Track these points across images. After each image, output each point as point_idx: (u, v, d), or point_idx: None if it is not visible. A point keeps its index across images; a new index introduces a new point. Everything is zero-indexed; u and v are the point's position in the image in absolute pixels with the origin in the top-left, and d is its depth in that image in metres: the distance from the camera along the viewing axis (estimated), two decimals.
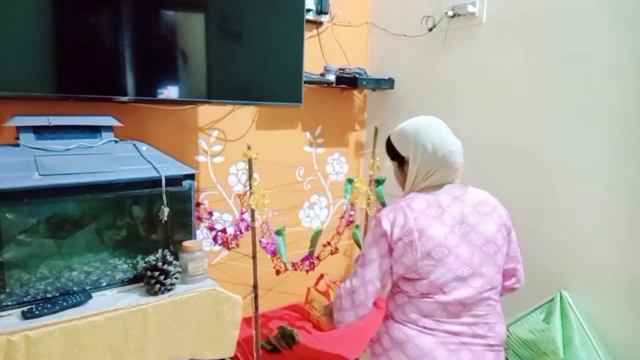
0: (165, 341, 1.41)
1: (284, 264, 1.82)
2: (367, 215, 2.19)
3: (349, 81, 2.20)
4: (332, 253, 2.01)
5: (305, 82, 1.97)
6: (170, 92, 1.59)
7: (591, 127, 1.56)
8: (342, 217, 2.06)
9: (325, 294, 2.12)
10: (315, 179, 2.39)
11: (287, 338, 1.93)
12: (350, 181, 1.96)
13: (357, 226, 2.08)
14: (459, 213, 1.22)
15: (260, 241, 1.80)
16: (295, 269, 1.90)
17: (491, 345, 1.19)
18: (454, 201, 1.24)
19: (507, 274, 1.34)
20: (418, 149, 1.26)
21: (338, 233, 2.01)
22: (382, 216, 1.23)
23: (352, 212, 2.05)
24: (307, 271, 1.94)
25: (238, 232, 1.80)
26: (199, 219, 1.85)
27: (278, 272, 1.84)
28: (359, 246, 2.08)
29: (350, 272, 1.34)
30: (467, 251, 1.19)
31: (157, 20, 1.54)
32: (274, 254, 1.81)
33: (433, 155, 1.24)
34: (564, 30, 1.62)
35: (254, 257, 1.72)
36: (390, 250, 1.20)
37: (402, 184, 1.36)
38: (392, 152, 1.36)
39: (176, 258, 1.51)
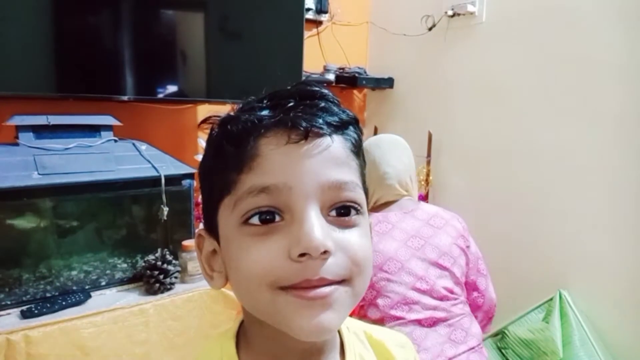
0: (164, 340, 1.41)
1: None
2: None
3: (348, 80, 2.20)
4: None
5: None
6: (170, 91, 1.59)
7: (591, 127, 1.56)
8: None
9: None
10: None
11: None
12: None
13: None
14: (410, 227, 1.23)
15: None
16: None
17: (473, 348, 1.18)
18: (404, 216, 1.25)
19: (469, 288, 1.31)
20: (364, 163, 1.25)
21: None
22: None
23: None
24: None
25: None
26: (199, 218, 1.85)
27: None
28: None
29: None
30: (422, 266, 1.18)
31: (156, 20, 1.54)
32: None
33: (373, 171, 1.26)
34: (563, 29, 1.62)
35: None
36: None
37: None
38: None
39: (176, 257, 1.51)
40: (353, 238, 0.41)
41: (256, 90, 0.47)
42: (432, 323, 1.15)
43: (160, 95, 1.57)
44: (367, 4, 2.43)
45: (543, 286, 1.68)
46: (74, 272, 1.41)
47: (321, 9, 2.16)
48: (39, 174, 1.26)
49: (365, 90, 2.48)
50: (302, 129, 0.39)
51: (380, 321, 1.16)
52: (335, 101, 0.43)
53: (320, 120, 0.40)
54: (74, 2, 1.37)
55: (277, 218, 0.39)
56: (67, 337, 1.23)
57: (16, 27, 1.28)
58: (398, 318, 1.15)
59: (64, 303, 1.28)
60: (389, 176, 1.28)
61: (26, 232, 1.32)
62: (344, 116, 0.42)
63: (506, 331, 1.70)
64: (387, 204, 1.29)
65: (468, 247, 1.28)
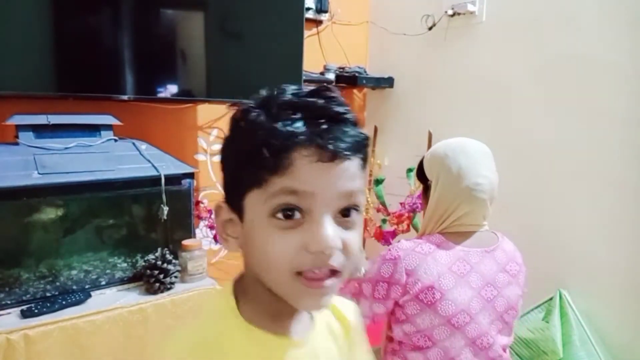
0: (164, 340, 1.41)
1: None
2: (365, 214, 2.18)
3: (348, 80, 2.20)
4: None
5: (305, 81, 1.97)
6: (170, 90, 1.59)
7: (591, 126, 1.56)
8: None
9: None
10: None
11: None
12: None
13: None
14: (488, 272, 1.07)
15: None
16: None
17: None
18: (484, 257, 1.08)
19: None
20: (441, 173, 1.11)
21: None
22: (398, 256, 1.05)
23: None
24: None
25: None
26: (199, 217, 1.85)
27: None
28: None
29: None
30: (488, 319, 1.05)
31: (157, 19, 1.54)
32: None
33: (455, 183, 1.07)
34: (563, 29, 1.62)
35: None
36: (395, 301, 1.05)
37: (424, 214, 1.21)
38: (419, 171, 1.20)
39: (176, 257, 1.51)
40: (354, 239, 0.51)
41: (256, 90, 0.49)
42: None
43: (161, 95, 1.57)
44: (367, 3, 2.43)
45: (543, 286, 1.68)
46: (74, 272, 1.40)
47: (321, 9, 2.15)
48: (39, 173, 1.26)
49: (365, 89, 2.48)
50: (331, 153, 0.48)
51: None
52: (356, 122, 0.52)
53: (344, 146, 0.48)
54: (74, 1, 1.37)
55: (298, 215, 0.49)
56: (67, 337, 1.23)
57: (16, 26, 1.28)
58: None
59: (64, 302, 1.28)
60: (481, 188, 1.07)
61: (26, 232, 1.32)
62: (360, 139, 0.51)
63: None
64: (466, 235, 1.10)
65: (524, 292, 1.18)
